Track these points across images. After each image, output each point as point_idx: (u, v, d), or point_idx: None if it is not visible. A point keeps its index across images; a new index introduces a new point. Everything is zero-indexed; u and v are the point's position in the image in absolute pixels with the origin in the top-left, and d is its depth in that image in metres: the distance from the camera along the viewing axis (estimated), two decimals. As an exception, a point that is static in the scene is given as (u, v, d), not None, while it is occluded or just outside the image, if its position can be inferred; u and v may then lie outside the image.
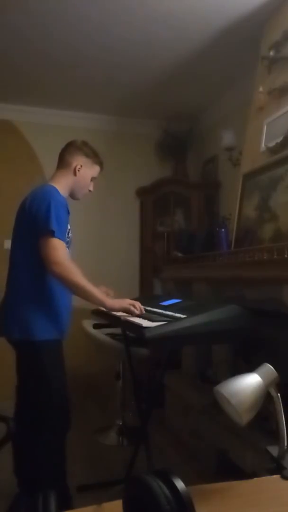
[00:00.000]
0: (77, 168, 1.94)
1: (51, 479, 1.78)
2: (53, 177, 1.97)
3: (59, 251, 1.71)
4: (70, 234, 1.92)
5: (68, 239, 1.87)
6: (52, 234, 1.70)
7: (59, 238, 1.72)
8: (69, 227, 1.89)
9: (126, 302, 1.80)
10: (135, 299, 2.15)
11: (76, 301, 1.91)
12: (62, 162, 1.97)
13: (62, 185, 1.92)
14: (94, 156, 1.99)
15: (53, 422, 1.80)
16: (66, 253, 1.76)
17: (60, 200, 1.82)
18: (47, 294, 1.82)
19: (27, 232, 1.81)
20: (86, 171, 1.96)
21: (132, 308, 1.77)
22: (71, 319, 1.95)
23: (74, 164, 1.94)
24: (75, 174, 1.94)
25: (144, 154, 4.08)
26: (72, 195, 1.99)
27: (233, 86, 3.37)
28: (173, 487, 0.61)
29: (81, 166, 1.95)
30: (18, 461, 1.94)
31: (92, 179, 2.01)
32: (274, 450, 0.96)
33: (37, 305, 1.80)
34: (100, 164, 2.02)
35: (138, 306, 1.79)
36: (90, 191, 2.03)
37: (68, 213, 1.85)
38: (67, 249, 1.82)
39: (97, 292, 1.75)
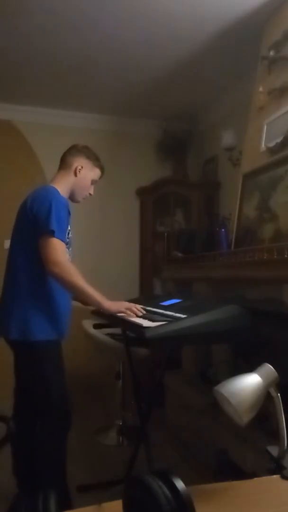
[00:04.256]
0: (77, 169, 1.95)
1: (51, 479, 1.78)
2: (54, 178, 1.98)
3: (59, 251, 1.71)
4: (70, 235, 1.92)
5: (68, 239, 1.87)
6: (52, 234, 1.70)
7: (59, 239, 1.72)
8: (69, 228, 1.89)
9: (124, 306, 1.80)
10: (135, 299, 2.15)
11: (76, 301, 1.91)
12: (63, 164, 1.98)
13: (62, 186, 1.92)
14: (95, 159, 2.00)
15: (52, 422, 1.80)
16: (65, 254, 1.76)
17: (61, 201, 1.83)
18: (46, 294, 1.81)
19: (27, 231, 1.81)
20: (87, 172, 1.97)
21: (129, 312, 1.77)
22: (71, 319, 1.95)
23: (75, 165, 1.95)
24: (75, 175, 1.95)
25: (144, 154, 4.08)
26: (72, 197, 2.00)
27: (233, 86, 3.37)
28: (173, 487, 0.61)
29: (81, 167, 1.96)
30: (17, 461, 1.94)
31: (93, 182, 2.01)
32: (274, 450, 0.96)
33: (36, 305, 1.80)
34: (101, 168, 2.03)
35: (136, 310, 1.78)
36: (90, 194, 2.04)
37: (69, 213, 1.86)
38: (67, 249, 1.82)
39: (95, 293, 1.75)
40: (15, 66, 3.10)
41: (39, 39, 2.76)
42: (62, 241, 1.74)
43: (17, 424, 1.81)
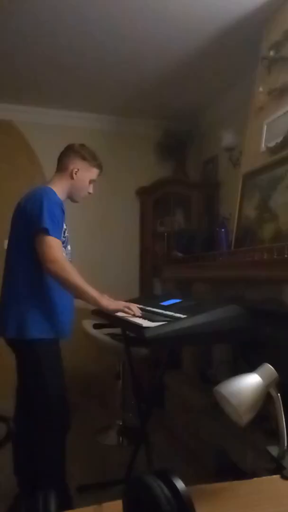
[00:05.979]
0: (74, 172, 1.94)
1: (51, 479, 1.79)
2: (51, 180, 1.99)
3: (54, 249, 1.71)
4: (66, 234, 1.92)
5: (64, 238, 1.86)
6: (46, 232, 1.70)
7: (54, 236, 1.72)
8: (65, 227, 1.89)
9: (122, 304, 1.80)
10: (135, 299, 2.15)
11: (76, 301, 1.90)
12: (60, 166, 1.98)
13: (59, 188, 1.92)
14: (92, 159, 1.99)
15: (51, 422, 1.80)
16: (61, 251, 1.76)
17: (55, 199, 1.82)
18: (44, 293, 1.81)
19: (23, 231, 1.81)
20: (84, 174, 1.97)
21: (127, 310, 1.77)
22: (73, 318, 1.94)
23: (71, 168, 1.95)
24: (72, 177, 1.95)
25: (144, 154, 4.08)
26: (71, 198, 2.00)
27: (233, 86, 3.37)
28: (173, 487, 0.61)
29: (78, 169, 1.95)
30: (18, 461, 1.94)
31: (91, 181, 2.01)
32: (274, 450, 0.96)
33: (34, 304, 1.80)
34: (98, 166, 2.02)
35: (134, 309, 1.78)
36: (89, 193, 2.03)
37: (63, 212, 1.85)
38: (63, 248, 1.82)
39: (93, 291, 1.74)
40: (16, 66, 3.10)
41: (39, 39, 2.75)
42: (58, 239, 1.74)
43: (18, 424, 1.82)
